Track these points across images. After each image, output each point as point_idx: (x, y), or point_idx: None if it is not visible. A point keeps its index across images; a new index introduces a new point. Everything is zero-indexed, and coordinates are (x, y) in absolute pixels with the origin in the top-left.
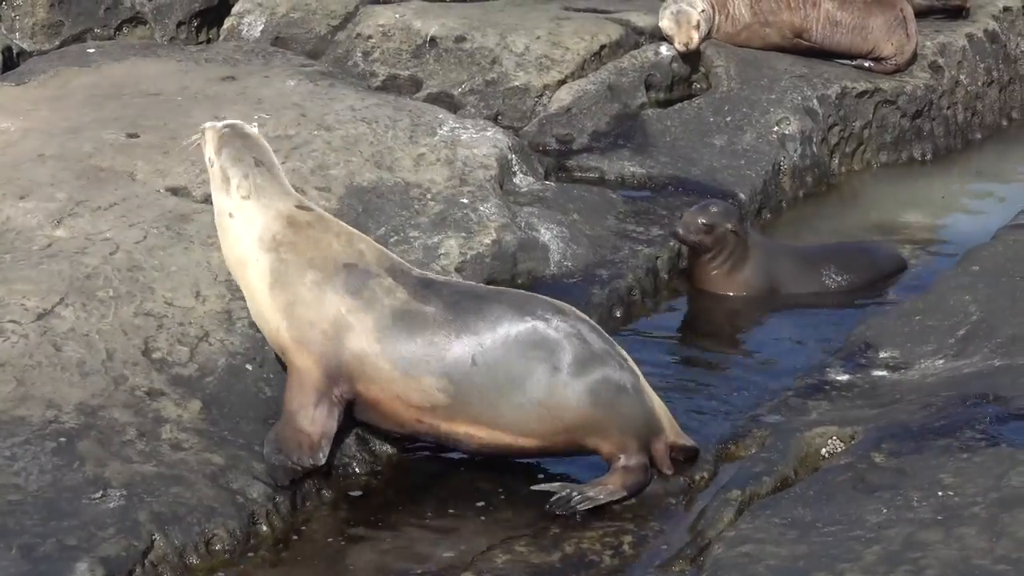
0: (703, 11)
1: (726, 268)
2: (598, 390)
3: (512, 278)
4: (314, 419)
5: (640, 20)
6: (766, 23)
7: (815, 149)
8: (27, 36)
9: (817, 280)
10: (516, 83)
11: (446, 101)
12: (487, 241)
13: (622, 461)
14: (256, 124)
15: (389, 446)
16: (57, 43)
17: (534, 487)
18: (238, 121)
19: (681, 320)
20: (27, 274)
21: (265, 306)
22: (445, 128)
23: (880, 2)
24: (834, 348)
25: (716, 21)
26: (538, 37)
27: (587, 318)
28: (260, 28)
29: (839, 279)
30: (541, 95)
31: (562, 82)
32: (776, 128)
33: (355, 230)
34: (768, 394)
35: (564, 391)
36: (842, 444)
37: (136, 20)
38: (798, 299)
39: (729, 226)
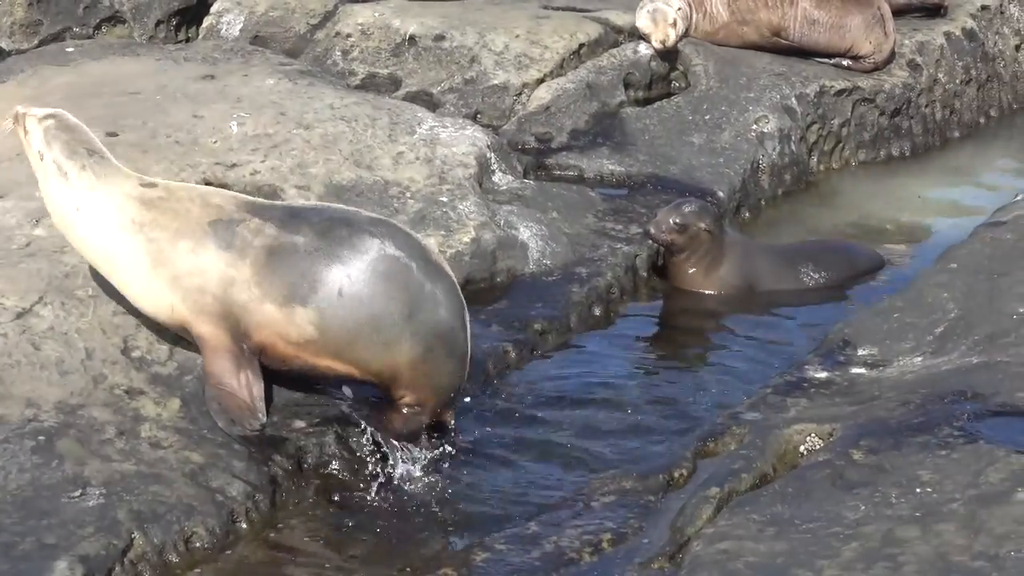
0: (680, 9)
1: (702, 267)
2: (432, 350)
3: (491, 276)
4: (241, 382)
5: (619, 19)
6: (744, 21)
7: (794, 147)
8: (5, 35)
9: (795, 279)
10: (495, 81)
11: (425, 100)
12: (466, 239)
13: (414, 411)
14: (236, 123)
15: (367, 443)
16: (36, 42)
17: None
18: (58, 110)
19: (660, 318)
20: (6, 273)
21: (151, 288)
22: (424, 127)
23: (858, 0)
24: (813, 346)
25: (694, 19)
26: (517, 36)
27: (448, 270)
28: (239, 27)
29: (817, 278)
30: (520, 94)
31: (541, 80)
32: (755, 126)
33: (204, 187)
34: (747, 391)
35: (405, 341)
36: (820, 441)
37: (115, 19)
38: (776, 297)
39: (702, 225)
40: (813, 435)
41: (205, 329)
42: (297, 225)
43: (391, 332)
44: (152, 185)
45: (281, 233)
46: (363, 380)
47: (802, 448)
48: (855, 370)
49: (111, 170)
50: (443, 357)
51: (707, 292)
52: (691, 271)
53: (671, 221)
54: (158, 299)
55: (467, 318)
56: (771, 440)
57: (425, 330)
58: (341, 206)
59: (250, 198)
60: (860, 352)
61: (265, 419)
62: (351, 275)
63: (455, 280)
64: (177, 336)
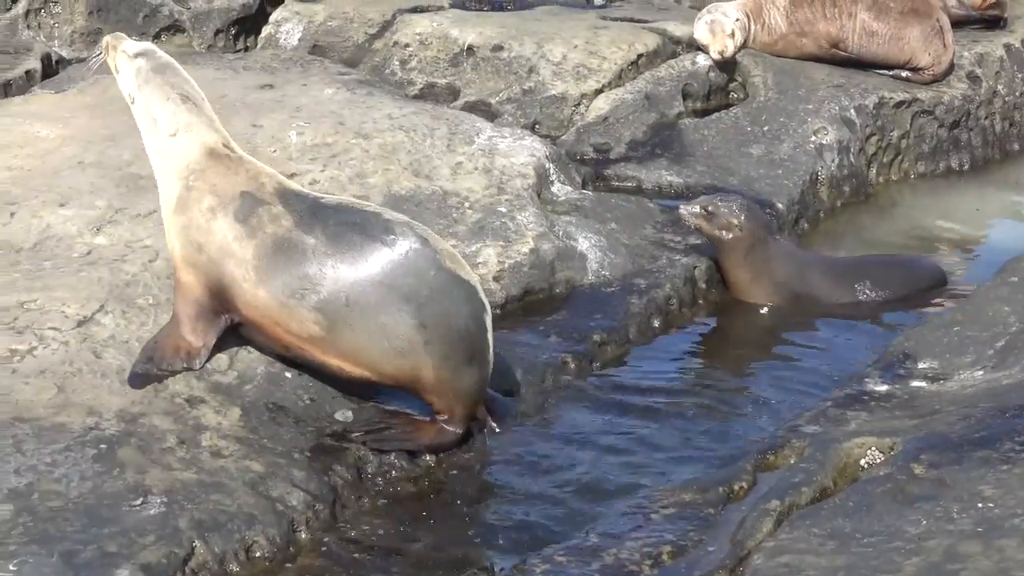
0: (737, 20)
1: (749, 275)
2: (449, 357)
3: (550, 287)
4: (195, 329)
5: (677, 29)
6: (802, 33)
7: (852, 159)
8: (66, 44)
9: (851, 293)
10: (553, 92)
11: (484, 110)
12: (525, 250)
13: (443, 419)
14: (295, 132)
15: (429, 455)
16: (96, 51)
17: (337, 415)
18: (149, 45)
19: (719, 330)
20: (67, 281)
21: (168, 228)
22: (483, 137)
23: (917, 12)
24: (872, 359)
25: (752, 30)
26: (575, 46)
27: (467, 272)
28: (298, 36)
29: (874, 293)
30: (578, 104)
31: (599, 91)
32: (813, 138)
33: (270, 169)
34: (806, 404)
35: (420, 350)
36: (881, 455)
37: (174, 28)
38: (836, 310)
39: (733, 221)
40: (874, 449)
41: (185, 277)
42: (312, 225)
43: (402, 340)
44: (231, 149)
45: (295, 229)
46: (383, 384)
47: (863, 462)
48: (916, 383)
49: (199, 120)
50: (462, 363)
51: (760, 302)
52: (738, 277)
53: (704, 207)
54: (170, 240)
55: (487, 321)
56: (831, 453)
57: (439, 337)
58: (366, 206)
59: (290, 185)
60: (920, 365)
61: (199, 367)
62: (358, 285)
63: (476, 283)
64: (237, 344)
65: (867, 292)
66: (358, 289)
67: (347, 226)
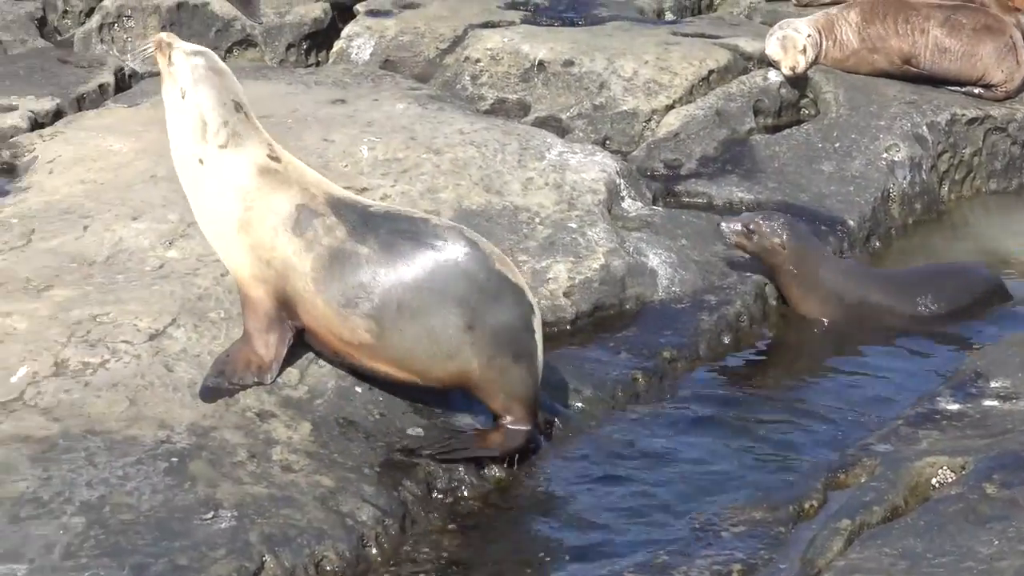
0: (809, 36)
1: (800, 290)
2: (495, 356)
3: (620, 303)
4: (266, 343)
5: (748, 45)
6: (874, 49)
7: (924, 176)
8: (139, 58)
9: (908, 305)
10: (624, 108)
11: (554, 125)
12: (595, 266)
13: (506, 422)
14: (366, 147)
15: (498, 470)
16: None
17: (410, 431)
18: (204, 48)
19: (789, 346)
20: (139, 295)
21: (233, 248)
22: (553, 152)
23: (990, 29)
24: (942, 377)
25: (824, 46)
26: (646, 62)
27: (514, 274)
28: (369, 51)
29: (932, 304)
30: (649, 120)
31: (670, 107)
32: (885, 155)
33: (314, 173)
34: (877, 423)
35: (467, 352)
36: (953, 474)
37: (246, 43)
38: (906, 327)
39: (776, 239)
40: (945, 468)
41: (255, 293)
42: (364, 234)
43: (451, 344)
44: (276, 159)
45: (348, 239)
46: (430, 386)
47: (934, 481)
48: (987, 402)
49: (250, 133)
50: (508, 364)
51: (815, 316)
52: (790, 293)
53: (745, 225)
54: (236, 259)
55: (535, 322)
56: (903, 472)
57: (486, 339)
58: (414, 213)
59: (341, 192)
60: (993, 384)
61: (270, 382)
62: (410, 291)
63: (524, 285)
64: (308, 359)
65: (924, 302)
66: (410, 295)
67: (398, 234)
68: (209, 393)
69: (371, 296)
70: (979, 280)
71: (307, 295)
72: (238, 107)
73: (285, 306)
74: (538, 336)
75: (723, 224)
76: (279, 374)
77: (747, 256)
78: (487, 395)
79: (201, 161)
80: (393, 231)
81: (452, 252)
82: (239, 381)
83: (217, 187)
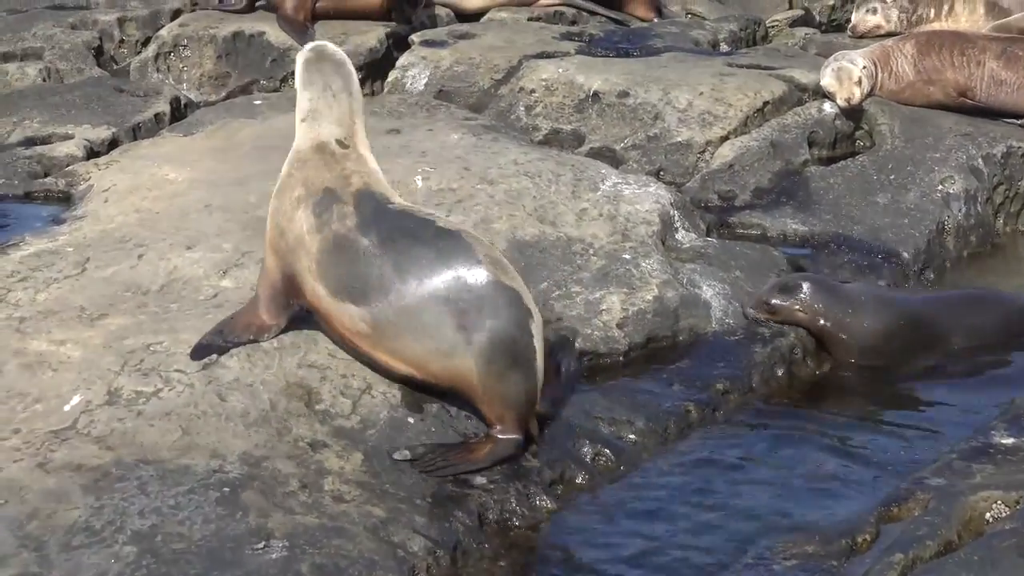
0: (864, 68)
1: (842, 341)
2: (493, 361)
3: (673, 334)
4: (268, 309)
5: (803, 77)
6: (930, 81)
7: (979, 208)
8: (194, 87)
9: (942, 333)
10: (679, 139)
11: (608, 156)
12: (649, 297)
13: (496, 431)
14: (420, 177)
15: (549, 500)
16: (224, 94)
17: (396, 455)
18: (327, 44)
19: (843, 379)
20: (193, 324)
21: (270, 211)
22: (607, 183)
23: None
24: (995, 410)
25: (879, 78)
26: (701, 93)
27: (512, 277)
28: (424, 81)
29: (966, 331)
30: (703, 151)
31: (724, 138)
32: (940, 187)
33: (373, 168)
34: (930, 456)
35: (463, 352)
36: (1007, 508)
37: None
38: (958, 361)
39: (798, 310)
40: (999, 502)
41: (269, 260)
42: (370, 227)
43: (446, 342)
44: (344, 145)
45: (355, 229)
46: (433, 384)
47: (988, 515)
48: None
49: (329, 112)
50: (506, 368)
51: (860, 359)
52: (836, 346)
53: (764, 302)
54: (267, 220)
55: (533, 328)
56: (956, 507)
57: (482, 342)
58: (427, 213)
59: (376, 187)
60: None
61: (268, 339)
62: (403, 287)
63: (520, 289)
64: (360, 389)
65: (958, 329)
66: (401, 290)
67: (399, 230)
68: (201, 350)
69: (364, 286)
70: (1016, 306)
71: (309, 276)
72: (326, 88)
73: (290, 282)
74: (537, 343)
75: (749, 311)
76: (275, 335)
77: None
78: (483, 400)
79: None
80: (395, 227)
81: (444, 251)
82: (235, 339)
83: (289, 154)
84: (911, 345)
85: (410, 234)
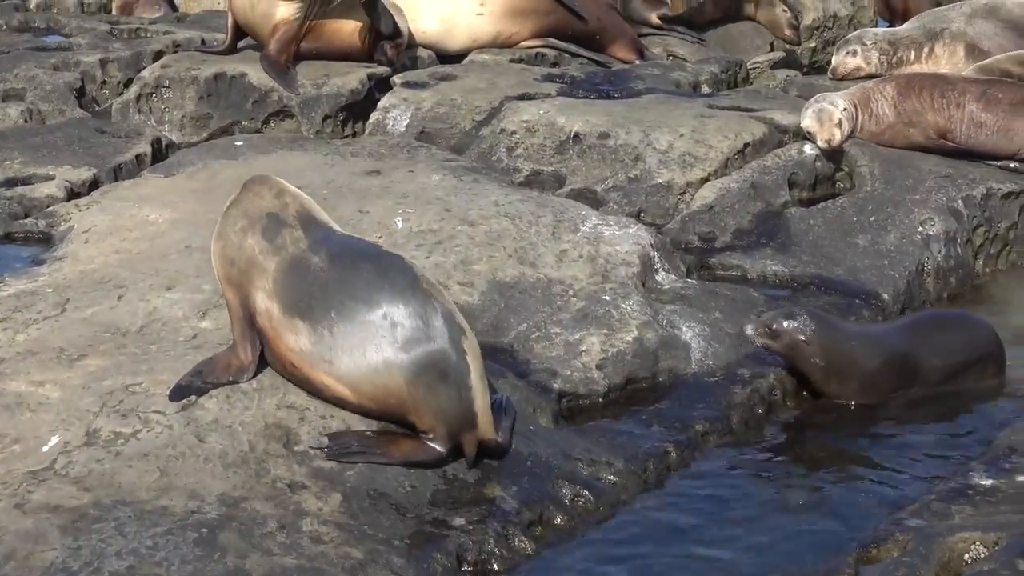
0: (845, 109)
1: (837, 379)
2: (422, 375)
3: (653, 376)
4: (243, 346)
5: (784, 118)
6: (910, 123)
7: (959, 250)
8: (176, 128)
9: (923, 358)
10: (659, 180)
11: (589, 197)
12: (628, 338)
13: (427, 437)
14: (400, 219)
15: (527, 542)
16: (205, 135)
17: (312, 443)
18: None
19: (822, 420)
20: (172, 365)
21: (215, 254)
22: (588, 224)
23: None
24: (974, 451)
25: (859, 120)
26: (681, 135)
27: (445, 300)
28: (405, 123)
29: (938, 353)
30: (684, 192)
31: (705, 180)
32: (920, 228)
33: (294, 190)
34: (909, 497)
35: (392, 368)
36: (986, 550)
37: (283, 113)
38: (938, 401)
39: (801, 337)
40: (978, 543)
41: (228, 295)
42: (319, 247)
43: (379, 357)
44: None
45: (306, 250)
46: (367, 407)
47: (966, 556)
48: (1021, 478)
49: None
50: (436, 383)
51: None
52: (827, 384)
53: (767, 326)
54: (213, 262)
55: (466, 344)
56: (935, 548)
57: (413, 358)
58: (365, 241)
59: (310, 210)
60: None
61: (247, 379)
62: (344, 300)
63: (452, 308)
64: (339, 430)
65: (919, 355)
66: (342, 304)
67: (347, 248)
68: (179, 391)
69: (311, 300)
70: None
71: (263, 294)
72: None
73: (246, 305)
74: (471, 359)
75: (748, 329)
76: (253, 376)
77: (775, 354)
78: (413, 412)
79: None
80: (344, 246)
81: (385, 268)
82: (214, 380)
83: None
84: (901, 378)
85: (356, 252)
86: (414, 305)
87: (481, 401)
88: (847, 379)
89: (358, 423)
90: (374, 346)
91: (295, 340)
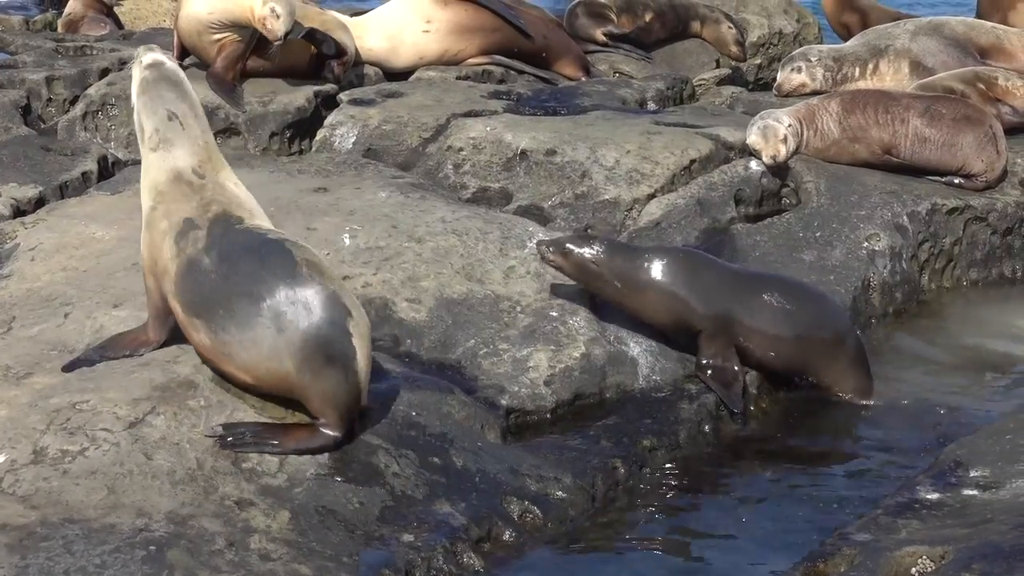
0: (790, 126)
1: (628, 297)
2: (308, 359)
3: (600, 391)
4: (155, 327)
5: (730, 135)
6: (855, 139)
7: (905, 265)
8: (122, 146)
9: (749, 309)
10: (606, 196)
11: (536, 214)
12: (576, 355)
13: (319, 423)
14: (348, 235)
15: (476, 558)
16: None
17: (206, 432)
18: (161, 58)
19: (768, 435)
20: (119, 382)
21: (142, 236)
22: (535, 241)
23: (969, 119)
24: (922, 465)
25: (805, 136)
26: (628, 151)
27: (328, 280)
28: (352, 140)
29: (776, 324)
30: (631, 208)
31: (652, 196)
32: (866, 244)
33: (232, 193)
34: (857, 511)
35: (282, 354)
36: (932, 564)
37: (229, 131)
38: (884, 413)
39: (586, 254)
40: (925, 557)
41: (149, 283)
42: (212, 247)
43: (267, 346)
44: (201, 176)
45: (201, 250)
46: (273, 394)
47: (913, 570)
48: (967, 492)
49: (180, 142)
50: (322, 367)
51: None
52: (627, 304)
53: (553, 246)
54: (142, 250)
55: (351, 326)
56: (882, 562)
57: (298, 342)
58: (268, 232)
59: (234, 212)
60: (972, 474)
61: (142, 353)
62: (231, 297)
63: (337, 289)
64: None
65: (767, 315)
66: (230, 300)
67: (236, 245)
68: (74, 365)
69: (204, 300)
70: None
71: (171, 295)
72: (171, 116)
73: (165, 301)
74: (357, 342)
75: (538, 245)
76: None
77: (568, 278)
78: (304, 397)
79: (143, 163)
80: (234, 242)
81: (266, 259)
82: (113, 354)
83: (144, 182)
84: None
85: (242, 247)
86: (295, 291)
87: (366, 379)
88: (645, 297)
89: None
90: (262, 337)
91: (197, 336)
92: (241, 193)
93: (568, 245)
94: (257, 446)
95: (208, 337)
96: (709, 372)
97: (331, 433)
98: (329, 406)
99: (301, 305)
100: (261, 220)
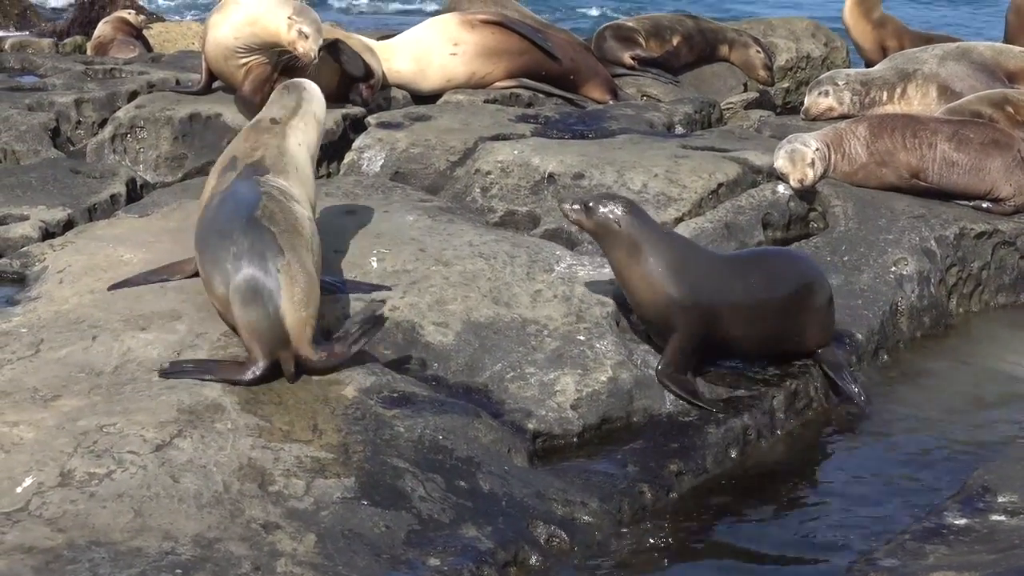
0: (817, 150)
1: (633, 267)
2: (238, 296)
3: (627, 415)
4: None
5: (757, 159)
6: (883, 163)
7: (932, 290)
8: (151, 168)
9: (738, 289)
10: None
11: (563, 237)
12: (603, 378)
13: (247, 357)
14: (375, 259)
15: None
16: (180, 175)
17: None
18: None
19: (796, 460)
20: (147, 405)
21: None
22: (562, 264)
23: (998, 143)
24: (949, 490)
25: (832, 160)
26: (656, 175)
27: (277, 224)
28: (380, 163)
29: (763, 291)
30: None
31: (679, 220)
32: (894, 268)
33: (289, 143)
34: (884, 536)
35: (227, 291)
36: None
37: None
38: (915, 437)
39: (609, 214)
40: None
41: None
42: (221, 192)
43: (221, 284)
44: (276, 122)
45: (214, 194)
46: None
47: None
48: (995, 517)
49: (279, 102)
50: (248, 303)
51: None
52: (626, 276)
53: (583, 202)
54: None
55: (280, 263)
56: None
57: (233, 281)
58: (272, 180)
59: (276, 159)
60: (1000, 499)
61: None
62: (206, 238)
63: (279, 231)
64: (314, 471)
65: (752, 289)
66: (205, 241)
67: (229, 192)
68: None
69: (200, 238)
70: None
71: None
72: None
73: None
74: (283, 278)
75: (564, 204)
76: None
77: (583, 227)
78: (239, 331)
79: None
80: (235, 189)
81: (237, 207)
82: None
83: None
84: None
85: (230, 194)
86: (244, 235)
87: (293, 318)
88: (645, 276)
89: (333, 463)
90: (219, 274)
91: (199, 267)
92: (298, 147)
93: (592, 203)
94: (191, 374)
95: (201, 268)
96: (667, 380)
97: (253, 368)
98: (253, 339)
99: (245, 247)
100: (293, 181)
